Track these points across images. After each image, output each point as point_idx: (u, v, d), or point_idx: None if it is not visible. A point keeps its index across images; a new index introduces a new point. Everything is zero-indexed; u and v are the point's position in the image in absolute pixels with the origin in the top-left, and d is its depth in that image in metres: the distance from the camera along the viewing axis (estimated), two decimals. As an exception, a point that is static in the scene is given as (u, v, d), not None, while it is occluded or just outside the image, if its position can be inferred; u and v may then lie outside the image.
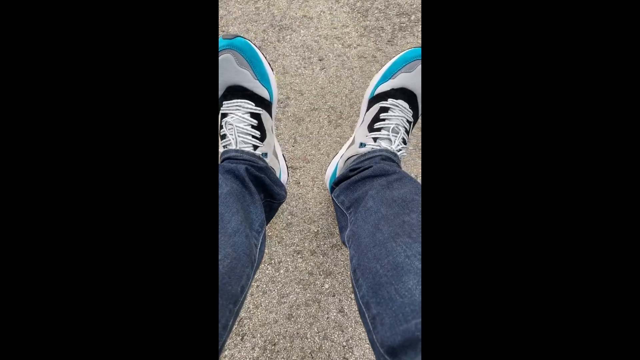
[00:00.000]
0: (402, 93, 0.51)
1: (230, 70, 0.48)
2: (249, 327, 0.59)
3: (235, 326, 0.59)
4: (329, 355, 0.57)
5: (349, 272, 0.63)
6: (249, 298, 0.61)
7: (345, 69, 0.74)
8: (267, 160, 0.51)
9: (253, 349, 0.58)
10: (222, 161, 0.48)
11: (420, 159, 0.68)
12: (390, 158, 0.49)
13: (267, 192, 0.49)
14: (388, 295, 0.29)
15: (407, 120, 0.51)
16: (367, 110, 0.54)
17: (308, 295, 0.61)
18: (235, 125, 0.48)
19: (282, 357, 0.57)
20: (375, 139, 0.51)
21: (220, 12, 0.78)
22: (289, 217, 0.65)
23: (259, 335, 0.59)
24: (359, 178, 0.47)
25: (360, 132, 0.54)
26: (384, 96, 0.51)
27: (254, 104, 0.49)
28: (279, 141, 0.66)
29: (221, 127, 0.50)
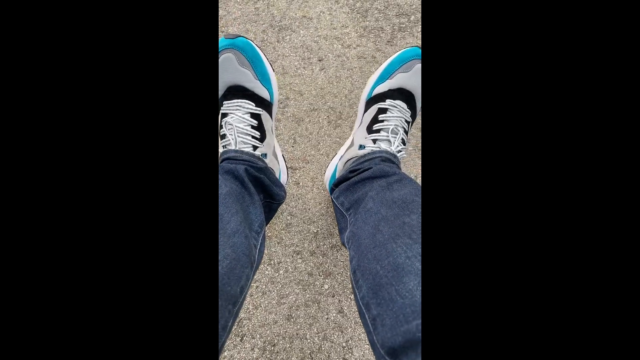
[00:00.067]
0: (400, 93, 0.51)
1: (231, 69, 0.48)
2: (248, 328, 0.59)
3: (234, 327, 0.59)
4: (328, 355, 0.57)
5: (348, 273, 0.62)
6: (248, 299, 0.61)
7: (345, 70, 0.74)
8: (266, 160, 0.51)
9: (252, 349, 0.58)
10: (221, 161, 0.48)
11: (420, 160, 0.68)
12: (390, 159, 0.49)
13: (266, 193, 0.48)
14: (389, 296, 0.29)
15: (406, 121, 0.51)
16: (365, 111, 0.53)
17: (307, 295, 0.61)
18: (235, 126, 0.48)
19: (282, 358, 0.57)
20: (374, 141, 0.51)
21: (220, 12, 0.78)
22: (289, 217, 0.65)
23: (258, 336, 0.58)
24: (359, 179, 0.47)
25: (359, 134, 0.53)
26: (381, 97, 0.51)
27: (254, 104, 0.49)
28: (278, 142, 0.66)
29: (221, 127, 0.50)
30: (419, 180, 0.65)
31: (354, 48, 0.75)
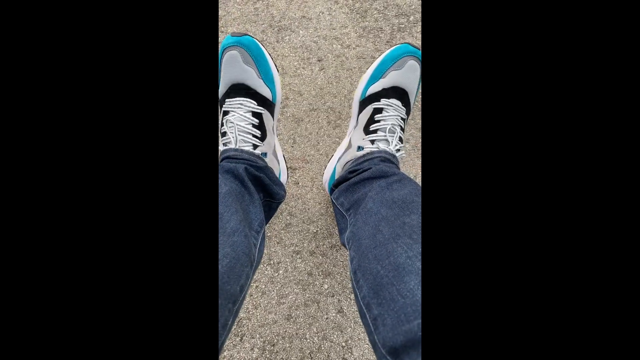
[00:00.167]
0: (394, 92, 0.51)
1: (235, 67, 0.48)
2: (248, 328, 0.59)
3: (234, 326, 0.59)
4: (328, 355, 0.57)
5: (348, 273, 0.63)
6: (248, 298, 0.61)
7: (344, 70, 0.74)
8: (266, 160, 0.51)
9: (252, 349, 0.58)
10: (221, 160, 0.48)
11: (419, 160, 0.68)
12: (389, 159, 0.49)
13: (266, 192, 0.48)
14: (390, 295, 0.29)
15: (402, 118, 0.51)
16: (360, 112, 0.53)
17: (307, 295, 0.61)
18: (236, 124, 0.48)
19: (281, 358, 0.57)
20: (372, 141, 0.51)
21: (219, 12, 0.78)
22: (288, 217, 0.65)
23: (258, 335, 0.58)
24: (359, 180, 0.47)
25: (356, 136, 0.53)
26: (376, 97, 0.51)
27: (256, 103, 0.49)
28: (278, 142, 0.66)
29: (222, 124, 0.50)
30: (418, 180, 0.65)
31: (354, 48, 0.75)
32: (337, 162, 0.58)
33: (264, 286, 0.61)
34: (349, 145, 0.55)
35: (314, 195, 0.67)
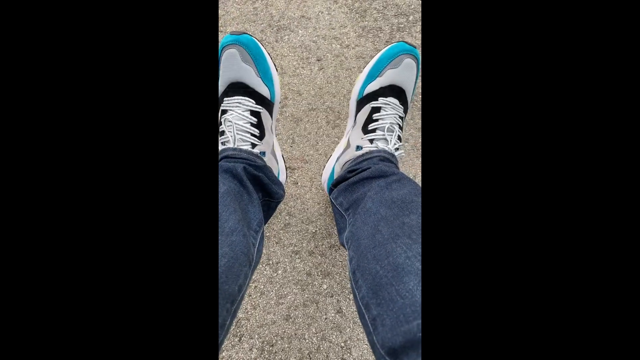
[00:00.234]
0: (391, 90, 0.51)
1: (234, 65, 0.48)
2: (246, 328, 0.59)
3: (232, 327, 0.58)
4: (327, 356, 0.57)
5: (347, 273, 0.62)
6: (246, 299, 0.60)
7: (344, 70, 0.73)
8: (265, 159, 0.50)
9: (251, 350, 0.57)
10: (220, 160, 0.48)
11: (418, 160, 0.68)
12: (388, 159, 0.48)
13: (265, 191, 0.48)
14: (389, 296, 0.29)
15: (400, 117, 0.51)
16: (358, 112, 0.53)
17: (306, 295, 0.61)
18: (235, 123, 0.48)
19: (280, 358, 0.57)
20: (371, 141, 0.51)
21: (219, 12, 0.77)
22: (287, 217, 0.65)
23: (256, 336, 0.58)
24: (358, 179, 0.46)
25: (355, 135, 0.53)
26: (373, 96, 0.51)
27: (254, 102, 0.49)
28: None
29: (220, 123, 0.50)
30: (417, 180, 0.65)
31: (353, 48, 0.75)
32: (336, 161, 0.58)
33: (262, 286, 0.61)
34: (348, 145, 0.55)
35: (312, 195, 0.66)
